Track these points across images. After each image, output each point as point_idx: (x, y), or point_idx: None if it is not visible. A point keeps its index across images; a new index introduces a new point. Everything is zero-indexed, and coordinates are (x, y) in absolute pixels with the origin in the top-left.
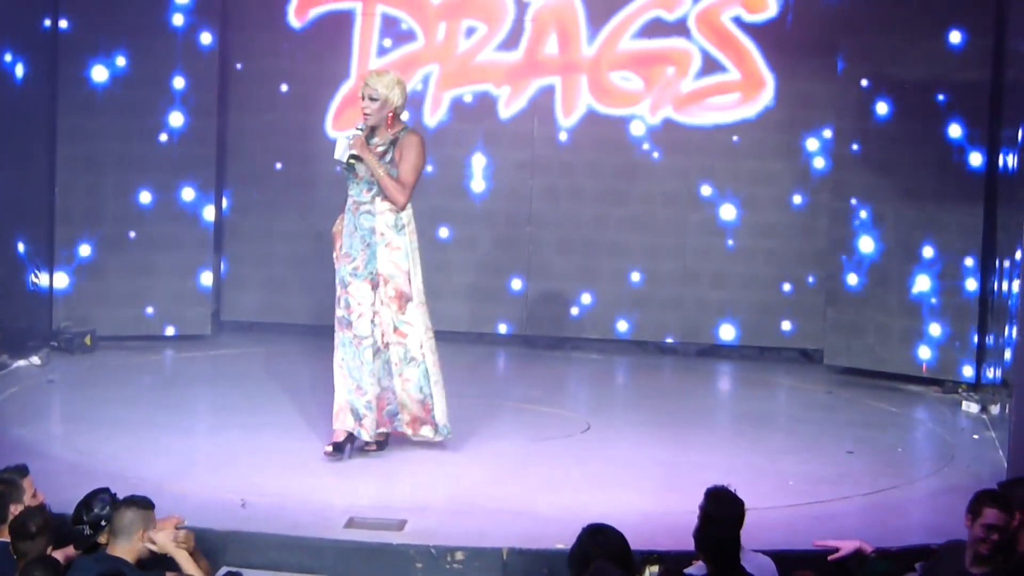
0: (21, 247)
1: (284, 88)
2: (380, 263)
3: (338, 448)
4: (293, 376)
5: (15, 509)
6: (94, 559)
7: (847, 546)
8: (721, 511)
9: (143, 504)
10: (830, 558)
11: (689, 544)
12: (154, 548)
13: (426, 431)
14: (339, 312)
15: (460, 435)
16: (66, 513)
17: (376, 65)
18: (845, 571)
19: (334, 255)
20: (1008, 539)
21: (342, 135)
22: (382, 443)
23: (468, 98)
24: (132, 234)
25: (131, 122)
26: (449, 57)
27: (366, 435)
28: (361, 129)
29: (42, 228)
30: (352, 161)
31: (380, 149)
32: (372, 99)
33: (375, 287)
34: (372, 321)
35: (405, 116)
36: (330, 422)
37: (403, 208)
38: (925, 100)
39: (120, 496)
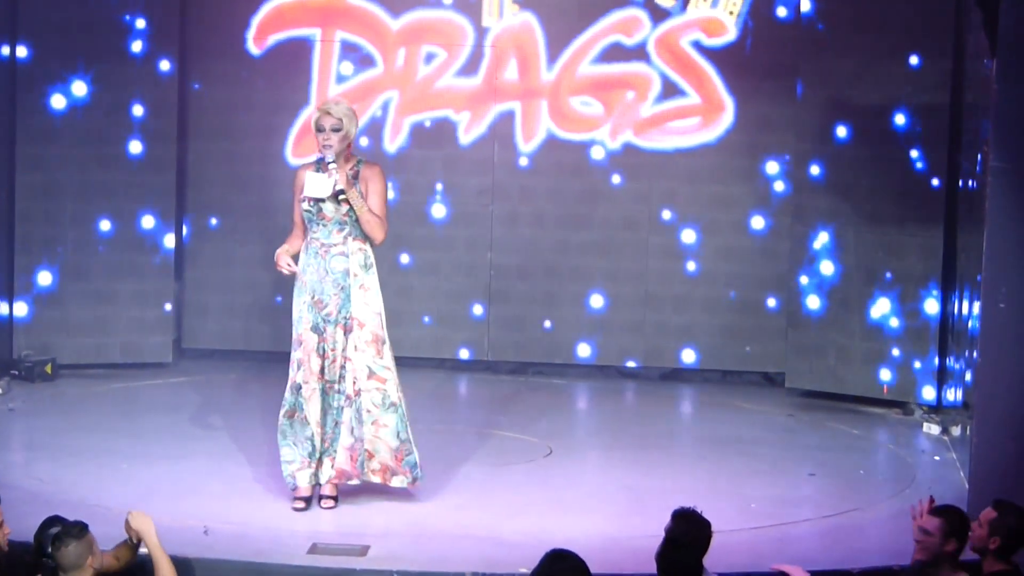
0: None
1: (243, 115)
2: (354, 306)
3: (309, 501)
4: (255, 403)
5: None
6: None
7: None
8: (688, 533)
9: (79, 534)
10: None
11: (653, 568)
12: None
13: (398, 481)
14: (318, 363)
15: (422, 461)
16: (27, 541)
17: (336, 91)
18: None
19: (304, 297)
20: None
21: (311, 172)
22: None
23: (428, 124)
24: (92, 262)
25: (90, 149)
26: (409, 83)
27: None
28: (333, 162)
29: (1, 256)
30: (341, 197)
31: (335, 172)
32: (335, 130)
33: (347, 332)
34: (343, 366)
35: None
36: None
37: (382, 242)
38: (885, 123)
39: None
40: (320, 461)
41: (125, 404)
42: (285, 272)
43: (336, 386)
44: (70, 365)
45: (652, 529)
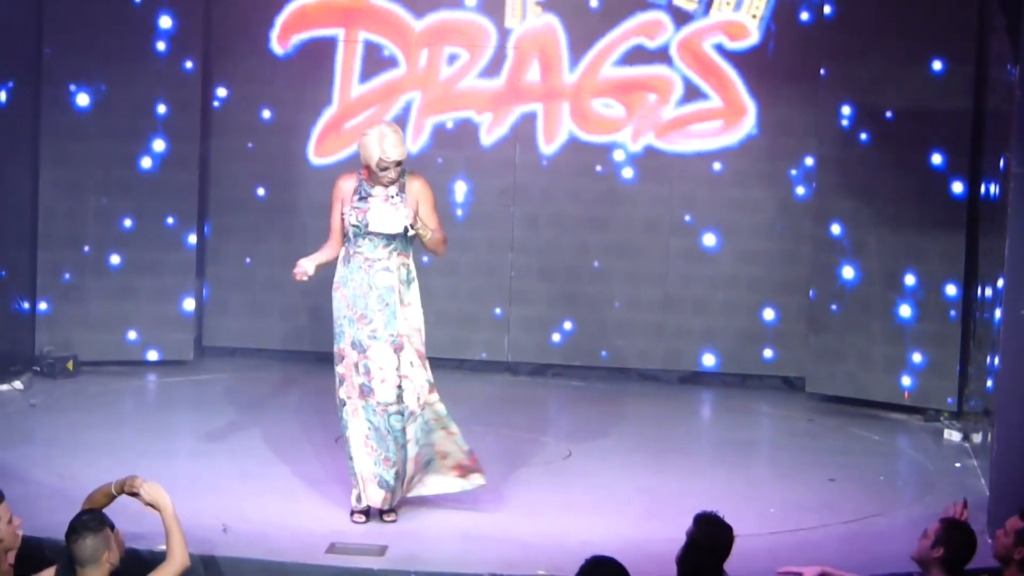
0: (3, 272)
1: (266, 114)
2: (400, 324)
3: (367, 514)
4: (275, 402)
5: None
6: None
7: (809, 572)
8: (710, 537)
9: (96, 527)
10: None
11: (672, 571)
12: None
13: (476, 479)
14: (357, 379)
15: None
16: (50, 537)
17: (359, 92)
18: None
19: (344, 311)
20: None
21: (378, 203)
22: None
23: (450, 125)
24: (114, 259)
25: (113, 147)
26: (431, 84)
27: (389, 504)
28: (398, 194)
29: (25, 252)
30: (410, 234)
31: (395, 200)
32: (398, 163)
33: (398, 350)
34: (399, 386)
35: None
36: (316, 448)
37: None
38: (907, 128)
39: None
40: (382, 480)
41: (146, 401)
42: (298, 278)
43: (394, 407)
44: (91, 362)
45: (671, 533)
